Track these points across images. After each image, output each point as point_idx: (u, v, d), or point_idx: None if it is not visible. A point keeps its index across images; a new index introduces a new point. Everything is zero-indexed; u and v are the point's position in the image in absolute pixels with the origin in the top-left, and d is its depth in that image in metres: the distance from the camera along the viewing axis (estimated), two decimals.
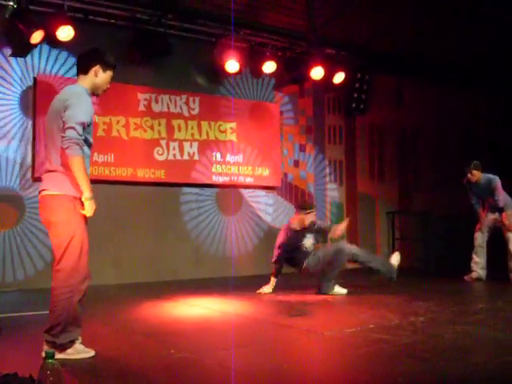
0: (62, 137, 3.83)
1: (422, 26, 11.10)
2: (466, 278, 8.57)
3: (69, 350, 3.87)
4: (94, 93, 4.12)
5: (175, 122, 9.04)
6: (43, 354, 3.63)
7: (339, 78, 10.08)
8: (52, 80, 8.04)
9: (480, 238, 8.61)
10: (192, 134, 9.19)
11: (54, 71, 8.14)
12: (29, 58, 7.90)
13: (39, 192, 3.99)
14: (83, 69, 4.10)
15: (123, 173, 8.53)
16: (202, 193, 9.32)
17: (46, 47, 7.97)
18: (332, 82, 10.09)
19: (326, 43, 10.00)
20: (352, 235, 10.94)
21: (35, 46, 7.61)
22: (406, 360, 3.85)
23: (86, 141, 3.94)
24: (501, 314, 5.75)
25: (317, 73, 9.65)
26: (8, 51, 7.72)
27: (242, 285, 8.32)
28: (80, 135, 3.83)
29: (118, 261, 8.51)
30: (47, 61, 8.12)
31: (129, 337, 4.73)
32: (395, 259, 7.52)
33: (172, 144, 9.00)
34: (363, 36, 10.55)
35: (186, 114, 9.15)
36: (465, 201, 8.83)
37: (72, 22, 7.62)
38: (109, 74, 4.15)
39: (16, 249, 7.80)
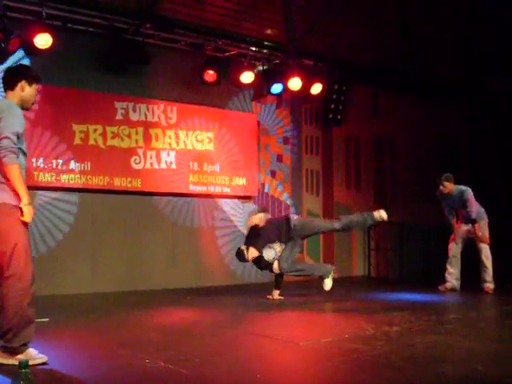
0: None
1: (398, 38, 11.23)
2: (440, 288, 8.66)
3: (20, 356, 3.88)
4: (23, 107, 4.19)
5: (152, 131, 9.04)
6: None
7: (317, 88, 10.15)
8: None
9: (454, 249, 8.70)
10: (169, 143, 9.19)
11: None
12: (6, 64, 7.84)
13: None
14: (9, 85, 4.19)
15: (100, 181, 8.49)
16: (178, 201, 9.30)
17: (23, 54, 7.91)
18: (310, 93, 10.16)
19: (303, 54, 10.07)
20: (328, 246, 11.00)
21: (12, 53, 7.57)
22: (381, 369, 3.89)
23: (20, 150, 4.07)
24: (473, 324, 5.83)
25: (294, 84, 9.71)
26: None
27: (219, 294, 8.33)
28: (15, 144, 3.95)
29: (94, 269, 8.46)
30: None
31: (103, 347, 4.70)
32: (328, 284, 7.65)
33: (149, 153, 8.98)
34: (341, 47, 10.65)
35: (163, 123, 9.15)
36: (440, 211, 8.94)
37: (50, 29, 7.59)
38: (34, 87, 4.26)
39: None
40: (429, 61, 11.43)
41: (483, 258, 8.44)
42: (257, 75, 9.55)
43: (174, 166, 9.21)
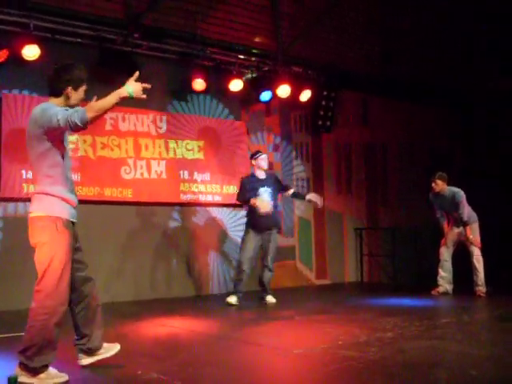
0: (60, 129, 3.80)
1: (388, 43, 11.28)
2: (432, 292, 8.67)
3: (41, 375, 3.79)
4: None
5: (142, 141, 9.01)
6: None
7: (306, 95, 10.17)
8: (17, 98, 7.96)
9: (445, 253, 8.71)
10: (159, 153, 9.16)
11: (19, 90, 8.06)
12: None
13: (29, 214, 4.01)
14: (54, 92, 4.07)
15: (90, 192, 8.46)
16: (169, 211, 9.28)
17: (11, 66, 7.87)
18: (299, 100, 10.19)
19: (292, 61, 10.10)
20: (320, 252, 11.00)
21: (0, 64, 7.55)
22: (375, 376, 3.89)
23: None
24: (466, 328, 5.84)
25: (283, 91, 9.73)
26: None
27: (212, 303, 8.31)
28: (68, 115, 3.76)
29: None
30: (12, 79, 8.04)
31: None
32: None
33: (139, 163, 8.96)
34: (329, 54, 10.69)
35: (153, 132, 9.13)
36: (431, 215, 8.96)
37: (38, 40, 7.59)
38: (82, 89, 4.14)
39: None
40: (419, 65, 11.49)
41: (474, 261, 8.46)
42: (245, 83, 9.57)
43: (164, 176, 9.18)
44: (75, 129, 3.80)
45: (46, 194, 3.90)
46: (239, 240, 9.37)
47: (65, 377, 3.87)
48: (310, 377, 4.01)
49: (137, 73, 4.09)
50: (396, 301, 8.15)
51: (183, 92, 9.34)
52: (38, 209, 3.90)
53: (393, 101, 12.04)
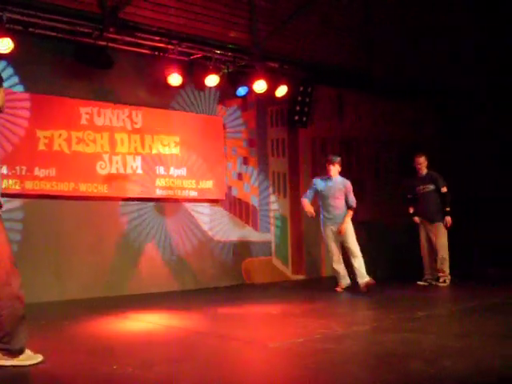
0: None
1: (365, 38, 11.30)
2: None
3: (21, 356, 4.00)
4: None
5: (118, 136, 8.97)
6: None
7: (282, 91, 10.18)
8: None
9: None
10: (135, 148, 9.12)
11: None
12: None
13: None
14: None
15: (65, 187, 8.39)
16: (144, 206, 9.24)
17: None
18: (275, 95, 10.19)
19: (268, 57, 10.09)
20: (296, 247, 11.02)
21: None
22: (351, 368, 3.90)
23: None
24: (441, 320, 5.89)
25: (259, 86, 9.73)
26: None
27: (188, 298, 8.29)
28: None
29: (61, 277, 8.35)
30: None
31: (71, 354, 4.64)
32: None
33: (115, 158, 8.91)
34: (305, 50, 10.68)
35: (128, 127, 9.09)
36: (404, 210, 9.07)
37: (11, 33, 7.51)
38: (4, 90, 4.26)
39: None
40: (397, 61, 11.55)
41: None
42: (222, 78, 9.55)
43: (140, 171, 9.15)
44: None
45: None
46: (212, 234, 9.38)
47: (40, 356, 4.10)
48: (286, 370, 4.01)
49: None
50: (373, 295, 8.18)
51: (159, 87, 9.29)
52: None
53: (369, 95, 12.07)
